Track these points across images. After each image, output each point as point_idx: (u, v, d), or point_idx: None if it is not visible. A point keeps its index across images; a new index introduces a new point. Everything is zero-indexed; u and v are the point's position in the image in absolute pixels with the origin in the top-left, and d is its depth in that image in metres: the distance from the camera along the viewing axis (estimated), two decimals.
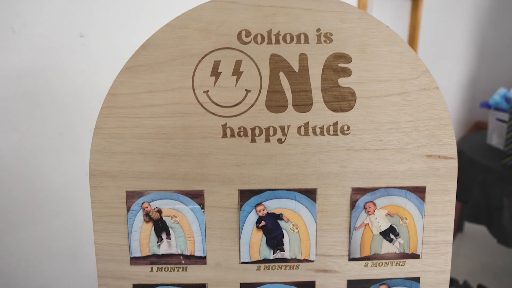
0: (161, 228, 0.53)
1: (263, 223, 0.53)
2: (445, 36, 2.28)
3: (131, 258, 0.54)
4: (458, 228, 1.89)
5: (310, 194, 0.53)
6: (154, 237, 0.53)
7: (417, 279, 0.56)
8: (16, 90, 0.74)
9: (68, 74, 0.80)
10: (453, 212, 0.55)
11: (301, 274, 0.55)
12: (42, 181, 0.81)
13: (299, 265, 0.54)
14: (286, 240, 0.53)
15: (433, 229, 0.55)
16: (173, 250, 0.53)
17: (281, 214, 0.53)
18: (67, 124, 0.82)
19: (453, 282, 1.32)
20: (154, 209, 0.53)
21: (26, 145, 0.77)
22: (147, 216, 0.53)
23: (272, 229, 0.53)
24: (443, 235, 0.55)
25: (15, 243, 0.79)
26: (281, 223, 0.53)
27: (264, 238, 0.53)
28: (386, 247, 0.55)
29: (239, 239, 0.53)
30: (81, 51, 0.81)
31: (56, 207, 0.84)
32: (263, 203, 0.52)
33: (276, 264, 0.54)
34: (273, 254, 0.54)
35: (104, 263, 0.54)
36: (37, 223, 0.82)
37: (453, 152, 0.53)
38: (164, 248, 0.53)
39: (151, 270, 0.54)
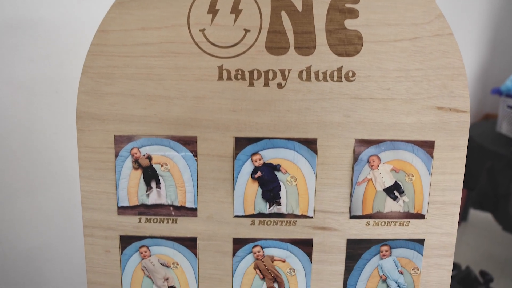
0: (150, 176, 0.50)
1: (259, 173, 0.49)
2: (456, 25, 2.22)
3: (119, 208, 0.51)
4: (462, 217, 1.85)
5: (311, 144, 0.49)
6: (143, 186, 0.50)
7: (421, 241, 0.52)
8: (9, 42, 0.71)
9: (65, 28, 0.77)
10: (462, 171, 0.51)
11: (298, 231, 0.51)
12: (35, 139, 0.78)
13: (296, 221, 0.51)
14: (283, 193, 0.50)
15: (441, 188, 0.51)
16: (163, 200, 0.50)
17: (278, 165, 0.50)
18: (63, 82, 0.79)
19: (455, 266, 1.29)
20: (144, 155, 0.50)
21: (19, 100, 0.74)
22: (136, 163, 0.50)
23: (268, 180, 0.50)
24: (451, 195, 0.51)
25: (9, 202, 0.77)
26: (278, 174, 0.50)
27: (260, 190, 0.50)
28: (390, 205, 0.51)
29: (233, 190, 0.50)
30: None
31: (50, 168, 0.81)
32: (260, 152, 0.49)
33: (272, 219, 0.51)
34: (269, 208, 0.50)
35: (90, 212, 0.51)
36: (30, 184, 0.79)
37: (466, 105, 0.49)
38: (154, 198, 0.50)
39: (139, 221, 0.51)
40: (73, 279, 0.88)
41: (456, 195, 0.51)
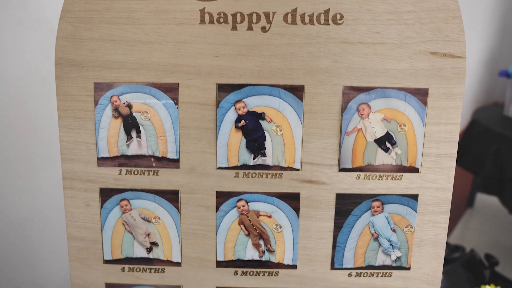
0: (130, 125, 0.48)
1: (242, 122, 0.47)
2: (465, 11, 2.18)
3: (98, 159, 0.49)
4: (468, 203, 1.81)
5: (297, 91, 0.47)
6: (123, 135, 0.48)
7: (415, 197, 0.50)
8: None
9: None
10: (458, 121, 0.48)
11: (284, 184, 0.49)
12: (26, 106, 0.77)
13: (282, 173, 0.49)
14: (268, 143, 0.48)
15: (435, 139, 0.48)
16: (144, 151, 0.49)
17: (263, 113, 0.47)
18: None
19: (459, 248, 1.25)
20: (124, 103, 0.48)
21: (8, 65, 0.73)
22: (116, 111, 0.48)
23: (252, 130, 0.48)
24: (446, 147, 0.49)
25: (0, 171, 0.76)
26: (263, 123, 0.48)
27: (244, 141, 0.48)
28: (381, 158, 0.49)
29: (216, 140, 0.48)
30: None
31: (43, 136, 0.80)
32: (244, 99, 0.47)
33: (257, 171, 0.49)
34: (254, 159, 0.48)
35: (69, 163, 0.49)
36: (21, 153, 0.78)
37: (461, 50, 0.47)
38: (134, 148, 0.49)
39: (120, 173, 0.49)
40: (64, 250, 0.87)
41: (451, 148, 0.49)
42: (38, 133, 0.80)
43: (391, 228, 0.51)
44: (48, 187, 0.83)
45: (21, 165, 0.79)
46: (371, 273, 0.52)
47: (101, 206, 0.50)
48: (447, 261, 1.34)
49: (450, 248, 1.37)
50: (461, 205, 1.91)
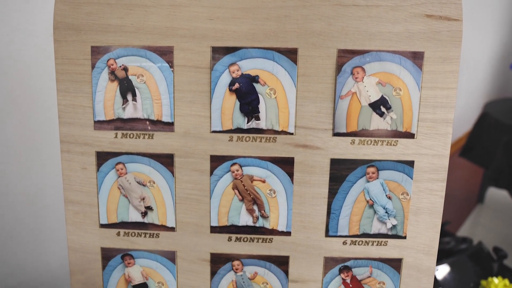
0: (126, 88, 0.49)
1: (236, 85, 0.48)
2: (478, 6, 2.15)
3: (95, 122, 0.50)
4: (479, 199, 1.77)
5: (291, 54, 0.47)
6: (119, 99, 0.49)
7: (410, 163, 0.49)
8: None
9: None
10: (455, 86, 0.48)
11: (278, 148, 0.49)
12: (32, 82, 0.79)
13: (276, 137, 0.49)
14: (262, 106, 0.48)
15: (431, 104, 0.48)
16: (139, 114, 0.49)
17: (257, 76, 0.47)
18: None
19: (466, 240, 1.23)
20: (120, 66, 0.48)
21: (15, 42, 0.75)
22: (112, 75, 0.49)
23: (246, 93, 0.48)
24: (442, 112, 0.48)
25: (5, 147, 0.77)
26: (257, 86, 0.48)
27: (238, 104, 0.48)
28: (376, 122, 0.48)
29: (210, 103, 0.48)
30: None
31: (49, 114, 0.82)
32: (238, 62, 0.47)
33: (251, 135, 0.49)
34: (247, 122, 0.48)
35: (67, 126, 0.50)
36: (28, 129, 0.80)
37: (458, 12, 0.46)
38: (130, 112, 0.49)
39: (115, 137, 0.50)
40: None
41: (448, 113, 0.48)
42: (45, 111, 0.81)
43: (386, 195, 0.50)
44: (52, 164, 0.84)
45: (25, 142, 0.81)
46: (366, 241, 0.51)
47: (97, 170, 0.51)
48: (453, 253, 1.32)
49: (457, 240, 1.34)
50: (471, 200, 1.87)
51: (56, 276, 0.90)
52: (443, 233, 1.50)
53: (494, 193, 1.72)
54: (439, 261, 1.23)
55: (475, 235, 1.55)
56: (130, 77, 0.48)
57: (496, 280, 1.09)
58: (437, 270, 1.21)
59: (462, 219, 1.77)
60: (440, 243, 1.38)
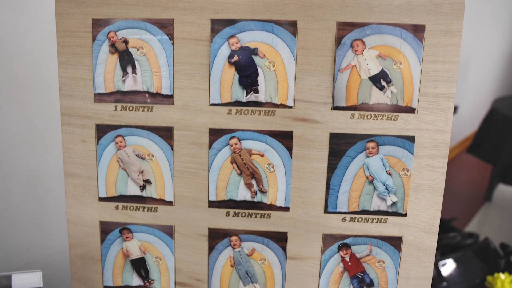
0: (126, 60, 0.49)
1: (235, 58, 0.47)
2: (488, 5, 2.13)
3: (95, 95, 0.50)
4: (486, 197, 1.75)
5: (290, 27, 0.47)
6: (119, 71, 0.49)
7: (411, 138, 0.48)
8: None
9: None
10: (457, 60, 0.47)
11: (277, 122, 0.49)
12: (34, 65, 0.79)
13: (275, 111, 0.49)
14: (261, 79, 0.48)
15: (433, 78, 0.47)
16: (139, 87, 0.49)
17: (256, 48, 0.47)
18: None
19: (472, 235, 1.21)
20: (120, 39, 0.49)
21: (21, 23, 0.76)
22: (113, 47, 0.49)
23: (245, 65, 0.48)
24: (444, 87, 0.47)
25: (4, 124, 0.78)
26: (256, 59, 0.48)
27: (237, 76, 0.48)
28: (376, 96, 0.48)
29: (209, 76, 0.48)
30: None
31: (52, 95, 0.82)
32: (237, 35, 0.47)
33: (250, 108, 0.49)
34: (246, 95, 0.48)
35: (67, 99, 0.50)
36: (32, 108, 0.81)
37: None
38: (129, 84, 0.49)
39: (115, 109, 0.50)
40: None
41: (450, 87, 0.47)
42: (49, 93, 0.82)
43: (386, 171, 0.49)
44: (56, 147, 0.85)
45: (30, 121, 0.82)
46: (365, 218, 0.51)
47: (97, 143, 0.51)
48: (459, 248, 1.30)
49: (463, 235, 1.32)
50: (479, 198, 1.85)
51: (59, 257, 0.90)
52: (449, 229, 1.48)
53: (502, 191, 1.70)
54: (445, 256, 1.21)
55: (482, 232, 1.53)
56: (130, 49, 0.49)
57: (502, 276, 1.07)
58: (442, 265, 1.19)
59: (469, 217, 1.74)
60: (446, 238, 1.36)
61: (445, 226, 1.46)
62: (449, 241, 1.31)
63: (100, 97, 0.50)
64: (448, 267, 1.18)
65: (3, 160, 0.79)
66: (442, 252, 1.29)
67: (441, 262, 1.17)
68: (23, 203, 0.84)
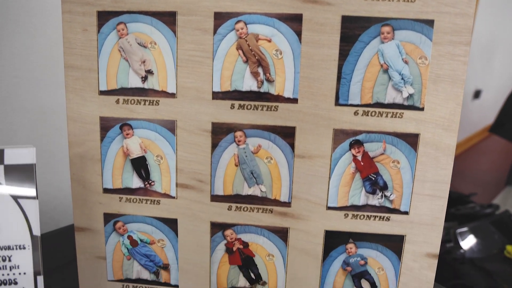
0: None
1: None
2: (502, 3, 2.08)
3: None
4: (507, 181, 1.68)
5: None
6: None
7: (430, 22, 0.45)
8: None
9: None
10: None
11: (286, 3, 0.45)
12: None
13: None
14: None
15: None
16: None
17: None
18: None
19: (491, 206, 1.16)
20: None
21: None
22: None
23: None
24: None
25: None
26: None
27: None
28: None
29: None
30: None
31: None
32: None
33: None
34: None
35: None
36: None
37: None
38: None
39: None
40: None
41: None
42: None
43: (402, 59, 0.46)
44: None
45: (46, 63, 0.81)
46: (379, 112, 0.47)
47: (98, 31, 0.49)
48: (477, 217, 1.23)
49: (482, 205, 1.26)
50: (499, 182, 1.78)
51: (65, 204, 0.89)
52: (468, 202, 1.42)
53: None
54: (462, 225, 1.16)
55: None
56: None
57: None
58: (459, 233, 1.13)
59: (488, 200, 1.68)
60: (465, 207, 1.30)
61: (464, 201, 1.40)
62: (467, 210, 1.25)
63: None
64: (466, 235, 1.13)
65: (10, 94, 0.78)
66: (460, 221, 1.24)
67: (458, 230, 1.12)
68: (29, 140, 0.83)
